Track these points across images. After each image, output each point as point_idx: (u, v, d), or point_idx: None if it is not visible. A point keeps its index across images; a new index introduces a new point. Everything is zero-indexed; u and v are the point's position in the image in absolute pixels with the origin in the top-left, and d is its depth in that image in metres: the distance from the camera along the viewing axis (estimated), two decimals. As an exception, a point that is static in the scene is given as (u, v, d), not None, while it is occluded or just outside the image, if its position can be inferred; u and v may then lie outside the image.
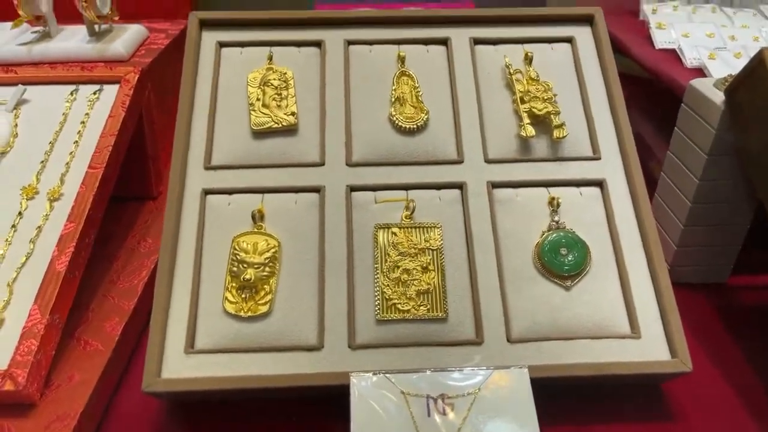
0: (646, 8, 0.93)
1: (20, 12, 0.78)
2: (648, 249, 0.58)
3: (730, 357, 0.63)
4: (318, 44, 0.68)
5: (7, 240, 0.59)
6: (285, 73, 0.65)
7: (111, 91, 0.71)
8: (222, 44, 0.68)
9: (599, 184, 0.62)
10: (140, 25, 0.86)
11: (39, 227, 0.59)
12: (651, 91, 0.97)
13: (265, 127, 0.62)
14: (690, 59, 0.78)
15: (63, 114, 0.69)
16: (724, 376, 0.60)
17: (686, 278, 0.70)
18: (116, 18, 0.83)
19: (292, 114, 0.63)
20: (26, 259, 0.57)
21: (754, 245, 0.70)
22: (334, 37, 0.68)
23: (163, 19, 0.96)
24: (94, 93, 0.71)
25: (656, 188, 0.72)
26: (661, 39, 0.84)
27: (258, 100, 0.63)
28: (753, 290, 0.72)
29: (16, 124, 0.69)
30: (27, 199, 0.62)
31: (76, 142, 0.67)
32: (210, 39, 0.68)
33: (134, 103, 0.71)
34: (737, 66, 0.74)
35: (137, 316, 0.62)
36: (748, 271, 0.73)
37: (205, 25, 0.68)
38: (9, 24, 0.83)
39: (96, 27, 0.81)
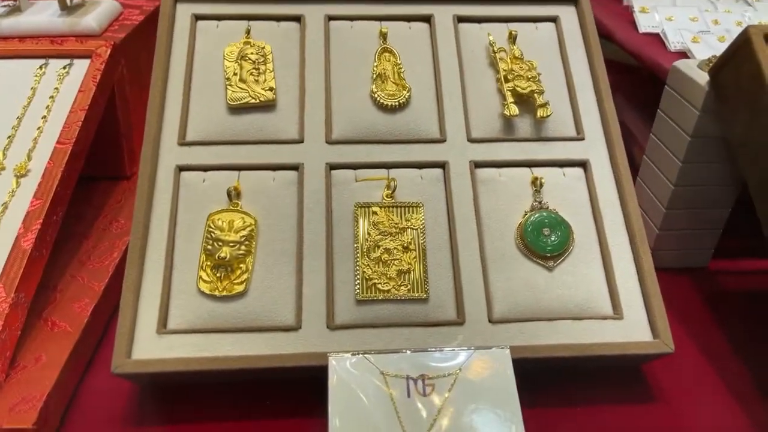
0: (629, -7, 0.93)
1: (-11, -16, 0.75)
2: (631, 231, 0.58)
3: (711, 340, 0.63)
4: (297, 19, 0.66)
5: (-30, 217, 0.56)
6: (263, 48, 0.63)
7: (82, 66, 0.69)
8: (198, 17, 0.66)
9: (583, 164, 0.61)
10: (113, 1, 0.83)
11: (4, 204, 0.57)
12: (635, 78, 0.96)
13: (242, 102, 0.60)
14: (674, 43, 0.77)
15: (31, 88, 0.67)
16: (705, 359, 0.60)
17: (668, 262, 0.70)
18: (89, -8, 0.80)
19: (270, 89, 0.61)
20: (-10, 236, 0.55)
21: (734, 230, 0.70)
22: (314, 12, 0.66)
23: (138, -5, 0.93)
24: (64, 68, 0.69)
25: (638, 172, 0.71)
26: (645, 23, 0.83)
27: (235, 74, 0.61)
28: (734, 275, 0.72)
29: (-18, 99, 0.66)
30: (-8, 175, 0.59)
31: (45, 117, 0.64)
32: (185, 11, 0.66)
33: (106, 78, 0.68)
34: (721, 49, 0.73)
35: (108, 297, 0.60)
36: (729, 255, 0.73)
37: (181, -3, 0.66)
38: (-24, -3, 0.80)
39: (68, 1, 0.78)
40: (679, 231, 0.68)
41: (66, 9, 0.77)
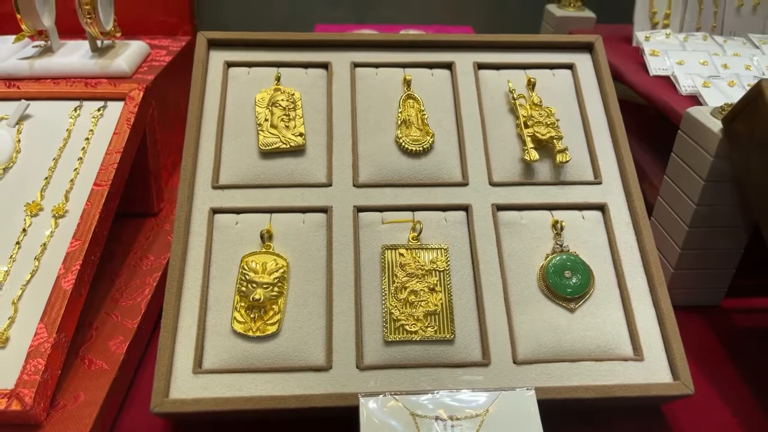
0: (639, 35, 0.96)
1: (23, 26, 0.78)
2: (649, 273, 0.59)
3: (726, 378, 0.64)
4: (325, 66, 0.69)
5: (11, 257, 0.58)
6: (293, 94, 0.66)
7: (115, 108, 0.71)
8: (230, 64, 0.68)
9: (601, 207, 0.63)
10: (142, 42, 0.86)
11: (44, 244, 0.59)
12: (644, 116, 0.99)
13: (273, 147, 0.63)
14: (685, 86, 0.80)
15: (67, 130, 0.69)
16: (721, 397, 0.62)
17: (682, 300, 0.71)
18: (118, 34, 0.83)
19: (300, 135, 0.64)
20: (31, 276, 0.57)
21: (747, 269, 0.71)
22: (340, 59, 0.69)
23: (164, 35, 0.97)
24: (99, 109, 0.71)
25: (652, 212, 0.74)
26: (656, 66, 0.86)
27: (266, 120, 0.64)
28: (746, 313, 0.74)
29: (19, 140, 0.68)
30: (31, 216, 0.61)
31: (81, 158, 0.66)
32: (218, 58, 0.68)
33: (139, 120, 0.71)
34: (731, 94, 0.76)
35: (140, 334, 0.62)
36: (742, 294, 0.75)
37: (213, 44, 0.69)
38: (10, 38, 0.83)
39: (99, 43, 0.81)
40: (694, 270, 0.70)
41: (97, 50, 0.81)
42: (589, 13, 1.13)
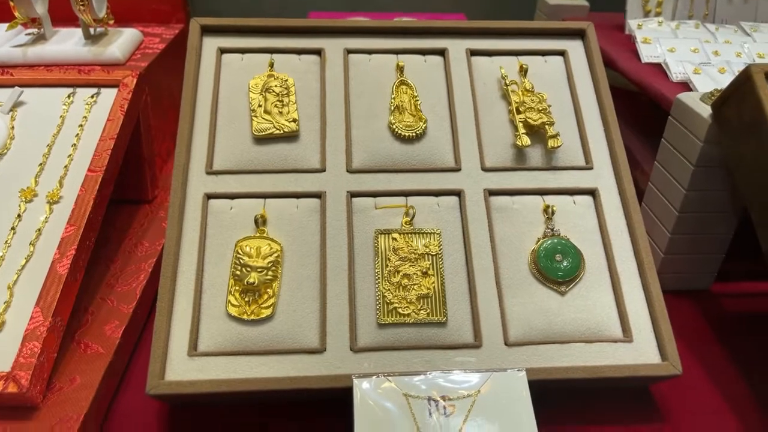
0: (631, 23, 0.96)
1: (16, 14, 0.78)
2: (639, 257, 0.60)
3: (715, 360, 0.65)
4: (318, 52, 0.69)
5: (6, 242, 0.58)
6: (286, 80, 0.66)
7: (109, 95, 0.72)
8: (223, 50, 0.68)
9: (592, 192, 0.64)
10: (135, 29, 0.86)
11: (38, 230, 0.59)
12: (636, 103, 1.00)
13: (266, 133, 0.63)
14: (676, 73, 0.81)
15: (60, 117, 0.69)
16: (710, 378, 0.63)
17: (672, 285, 0.72)
18: (111, 22, 0.83)
19: (294, 120, 0.64)
20: (26, 261, 0.57)
21: (736, 254, 0.72)
22: (334, 46, 0.69)
23: (157, 23, 0.97)
24: (92, 96, 0.72)
25: (643, 197, 0.74)
26: (648, 53, 0.87)
27: (260, 106, 0.64)
28: (735, 297, 0.75)
29: (13, 127, 0.68)
30: (26, 202, 0.61)
31: (74, 145, 0.67)
32: (211, 45, 0.68)
33: (132, 106, 0.71)
34: (721, 81, 0.77)
35: (136, 319, 0.63)
36: (731, 278, 0.76)
37: (207, 31, 0.69)
38: (3, 25, 0.83)
39: (92, 30, 0.81)
40: (683, 255, 0.71)
41: (90, 38, 0.81)
42: (582, 1, 1.13)
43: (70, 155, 0.66)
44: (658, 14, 1.00)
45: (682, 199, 0.67)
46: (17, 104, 0.71)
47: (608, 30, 1.00)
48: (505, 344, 0.56)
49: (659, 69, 0.84)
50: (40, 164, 0.65)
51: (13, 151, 0.66)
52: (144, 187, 0.79)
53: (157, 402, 0.56)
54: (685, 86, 0.79)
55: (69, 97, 0.72)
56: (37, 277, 0.56)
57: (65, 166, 0.64)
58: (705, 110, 0.64)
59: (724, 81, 0.76)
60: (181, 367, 0.53)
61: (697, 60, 0.83)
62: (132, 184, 0.79)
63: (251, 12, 1.40)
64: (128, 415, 0.56)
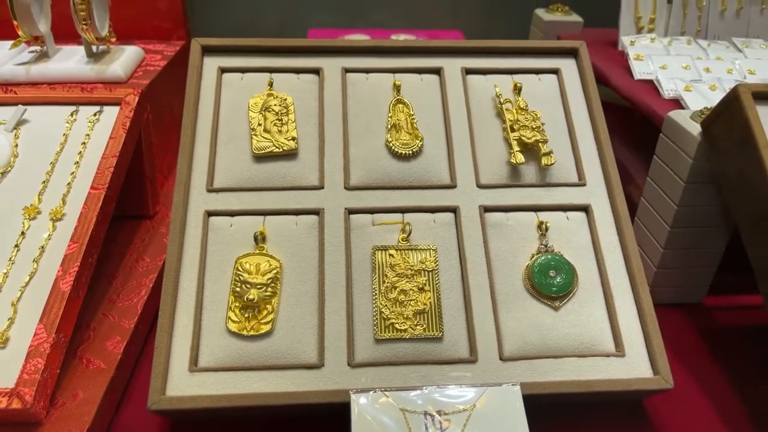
0: (624, 39, 0.98)
1: (19, 32, 0.79)
2: (631, 272, 0.61)
3: (707, 373, 0.66)
4: (316, 71, 0.71)
5: (10, 259, 0.59)
6: (285, 99, 0.68)
7: (111, 113, 0.73)
8: (223, 70, 0.70)
9: (585, 209, 0.65)
10: (136, 47, 0.88)
11: (42, 247, 0.60)
12: (629, 118, 1.01)
13: (266, 151, 0.64)
14: (667, 90, 0.82)
15: (63, 134, 0.71)
16: (702, 391, 0.64)
17: (665, 299, 0.74)
18: (114, 39, 0.85)
19: (293, 139, 0.65)
20: (30, 278, 0.58)
21: (728, 267, 0.73)
22: (332, 65, 0.71)
23: (158, 40, 0.98)
24: (95, 114, 0.73)
25: (636, 212, 0.76)
26: (640, 70, 0.88)
27: (259, 125, 0.66)
28: (727, 310, 0.76)
29: (17, 144, 0.70)
30: (29, 219, 0.63)
31: (77, 162, 0.68)
32: (212, 64, 0.70)
33: (134, 124, 0.72)
34: (712, 98, 0.79)
35: (137, 334, 0.64)
36: (723, 292, 0.77)
37: (207, 51, 0.70)
38: (5, 43, 0.84)
39: (94, 48, 0.83)
40: (676, 269, 0.72)
41: (92, 56, 0.82)
42: (576, 18, 1.15)
43: (72, 173, 0.67)
44: (651, 30, 1.02)
45: (673, 215, 0.68)
46: (21, 122, 0.72)
47: (602, 46, 1.02)
48: (500, 359, 0.57)
49: (651, 86, 0.86)
50: (44, 182, 0.66)
51: (16, 169, 0.67)
52: (145, 203, 0.80)
53: (158, 417, 0.57)
54: (677, 103, 0.81)
55: (72, 115, 0.73)
56: (40, 293, 0.57)
57: (68, 184, 0.66)
58: (695, 128, 0.65)
59: (715, 98, 0.77)
60: (182, 383, 0.54)
61: (688, 77, 0.84)
62: (133, 200, 0.80)
63: (251, 27, 1.42)
64: (130, 430, 0.57)
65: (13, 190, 0.65)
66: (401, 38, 1.11)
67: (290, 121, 0.66)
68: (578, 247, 0.63)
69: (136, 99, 0.73)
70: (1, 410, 0.50)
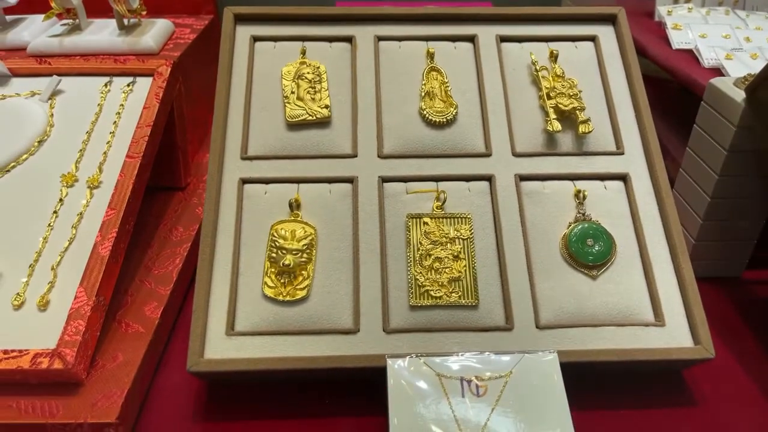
0: (661, 9, 0.95)
1: (52, 4, 0.80)
2: (671, 241, 0.60)
3: (747, 346, 0.65)
4: (349, 39, 0.70)
5: (49, 225, 0.60)
6: (318, 67, 0.67)
7: (144, 83, 0.73)
8: (256, 38, 0.69)
9: (623, 178, 0.64)
10: (166, 20, 0.87)
11: (80, 213, 0.61)
12: (665, 91, 0.99)
13: (299, 119, 0.64)
14: (708, 59, 0.80)
15: (98, 104, 0.71)
16: (741, 364, 0.63)
17: (703, 272, 0.72)
18: (144, 12, 0.85)
19: (326, 107, 0.65)
20: (69, 243, 0.59)
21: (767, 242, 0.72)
22: (364, 33, 0.70)
23: (188, 14, 0.98)
24: (128, 85, 0.73)
25: (674, 184, 0.74)
26: (678, 39, 0.86)
27: (292, 93, 0.65)
28: (766, 284, 0.74)
29: (52, 114, 0.70)
30: (67, 187, 0.63)
31: (112, 132, 0.68)
32: (244, 33, 0.70)
33: (167, 95, 0.72)
34: (753, 66, 0.76)
35: (173, 300, 0.64)
36: (763, 265, 0.75)
37: (240, 19, 0.70)
38: (38, 16, 0.85)
39: (125, 21, 0.83)
40: (715, 242, 0.71)
41: (124, 28, 0.82)
42: (610, -11, 1.12)
43: (108, 142, 0.67)
44: (687, 0, 0.99)
45: (714, 185, 0.66)
46: (56, 92, 0.73)
47: (637, 16, 0.99)
48: (537, 327, 0.56)
49: (690, 55, 0.84)
50: (80, 150, 0.67)
51: (53, 138, 0.68)
52: (177, 175, 0.81)
53: (195, 380, 0.57)
54: (717, 72, 0.78)
55: (106, 85, 0.73)
56: (79, 258, 0.58)
57: (104, 153, 0.66)
58: (738, 95, 0.63)
59: (757, 66, 0.75)
60: (220, 346, 0.54)
61: (728, 46, 0.82)
62: (165, 172, 0.80)
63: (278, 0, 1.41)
64: (167, 392, 0.57)
65: (50, 158, 0.66)
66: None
67: (323, 89, 0.66)
68: (616, 217, 0.62)
69: (169, 70, 0.74)
70: (43, 370, 0.51)
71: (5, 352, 0.51)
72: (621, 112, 0.67)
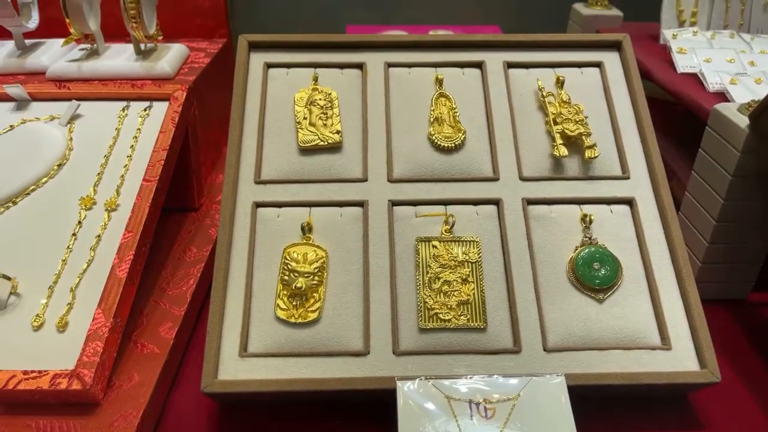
0: (666, 33, 0.97)
1: (71, 30, 0.82)
2: (677, 265, 0.61)
3: (752, 369, 0.65)
4: (360, 66, 0.72)
5: (68, 247, 0.62)
6: (330, 94, 0.69)
7: (160, 108, 0.75)
8: (269, 65, 0.71)
9: (629, 202, 0.65)
10: (181, 45, 0.90)
11: (98, 236, 0.63)
12: (671, 113, 1.00)
13: (311, 144, 0.66)
14: (712, 84, 0.81)
15: (116, 129, 0.73)
16: (748, 388, 0.63)
17: (709, 294, 0.73)
18: (160, 38, 0.87)
19: (338, 132, 0.66)
20: (87, 265, 0.60)
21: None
22: (375, 60, 0.72)
23: (202, 38, 1.01)
24: (145, 109, 0.75)
25: (680, 207, 0.75)
26: (683, 63, 0.87)
27: (305, 118, 0.67)
28: (773, 307, 0.75)
29: (71, 138, 0.72)
30: (85, 210, 0.65)
31: (130, 156, 0.70)
32: (258, 60, 0.72)
33: (182, 119, 0.74)
34: (757, 91, 0.78)
35: (187, 321, 0.66)
36: (768, 288, 0.76)
37: (254, 47, 0.72)
38: (57, 41, 0.87)
39: (142, 46, 0.85)
40: (721, 264, 0.71)
41: (141, 53, 0.85)
42: (616, 12, 1.14)
43: (125, 165, 0.69)
44: (693, 24, 1.01)
45: (720, 209, 0.67)
46: (74, 117, 0.75)
47: (642, 40, 1.01)
48: (544, 350, 0.57)
49: (695, 79, 0.85)
50: (98, 174, 0.68)
51: (72, 162, 0.70)
52: (191, 196, 0.82)
53: (208, 401, 0.58)
54: (722, 96, 0.80)
55: (123, 110, 0.75)
56: (97, 280, 0.59)
57: (122, 176, 0.68)
58: (742, 121, 0.64)
59: (761, 91, 0.76)
60: (233, 367, 0.55)
61: (733, 70, 0.83)
62: (179, 193, 0.82)
63: (289, 24, 1.44)
64: (181, 412, 0.58)
65: (69, 181, 0.68)
66: (440, 33, 1.12)
67: (335, 115, 0.68)
68: (622, 240, 0.63)
69: (184, 94, 0.76)
70: (62, 391, 0.52)
71: (25, 372, 0.52)
72: (626, 137, 0.68)
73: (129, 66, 0.82)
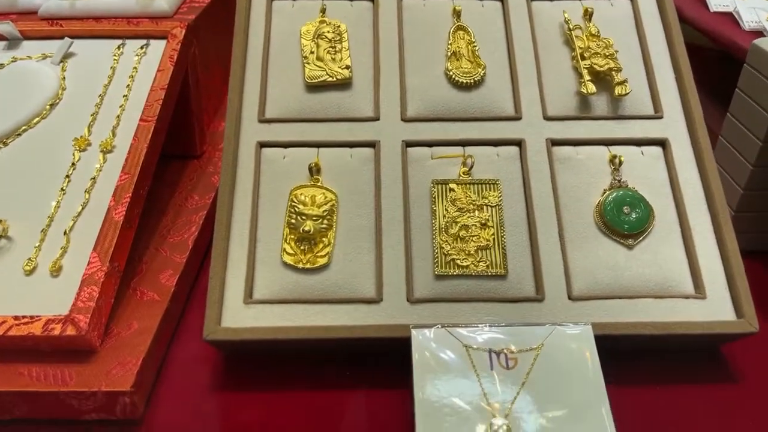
0: (697, -29, 0.90)
1: (64, -34, 0.77)
2: (713, 210, 0.57)
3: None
4: (371, -3, 0.67)
5: (62, 189, 0.58)
6: (339, 26, 0.64)
7: (158, 46, 0.71)
8: (273, -3, 0.66)
9: (662, 143, 0.60)
10: (181, -18, 0.84)
11: (93, 178, 0.59)
12: (701, 59, 0.94)
13: (319, 80, 0.61)
14: (748, 22, 0.76)
15: (111, 68, 0.69)
16: (783, 341, 0.59)
17: (743, 245, 0.68)
18: (158, -26, 0.82)
19: (347, 67, 0.62)
20: (82, 208, 0.57)
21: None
22: (387, -9, 0.67)
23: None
24: (141, 47, 0.71)
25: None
26: (716, 2, 0.82)
27: (312, 53, 0.62)
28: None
29: (64, 78, 0.68)
30: (80, 151, 0.61)
31: (126, 95, 0.66)
32: (261, -9, 0.67)
33: (182, 58, 0.70)
34: (799, 27, 0.72)
35: (189, 268, 0.62)
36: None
37: (257, -23, 0.67)
38: (50, -21, 0.82)
39: (139, -17, 0.80)
40: (756, 213, 0.67)
41: (137, -9, 0.79)
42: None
43: (121, 105, 0.65)
44: (726, -38, 0.94)
45: (757, 151, 0.63)
46: (67, 55, 0.70)
47: (672, -20, 0.94)
48: (569, 298, 0.54)
49: (729, 18, 0.79)
50: (93, 114, 0.64)
51: (65, 102, 0.66)
52: (192, 143, 0.78)
53: (212, 350, 0.55)
54: (758, 35, 0.74)
55: (119, 48, 0.71)
56: (92, 224, 0.56)
57: (117, 116, 0.64)
58: (787, 54, 0.59)
59: (803, 27, 0.71)
60: (237, 315, 0.52)
61: (771, 7, 0.77)
62: (180, 139, 0.78)
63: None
64: (184, 362, 0.55)
65: (62, 122, 0.64)
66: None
67: (344, 49, 0.63)
68: (654, 184, 0.58)
69: (183, 32, 0.71)
70: (55, 337, 0.49)
71: (16, 318, 0.50)
72: (660, 74, 0.63)
73: (124, 3, 0.77)
